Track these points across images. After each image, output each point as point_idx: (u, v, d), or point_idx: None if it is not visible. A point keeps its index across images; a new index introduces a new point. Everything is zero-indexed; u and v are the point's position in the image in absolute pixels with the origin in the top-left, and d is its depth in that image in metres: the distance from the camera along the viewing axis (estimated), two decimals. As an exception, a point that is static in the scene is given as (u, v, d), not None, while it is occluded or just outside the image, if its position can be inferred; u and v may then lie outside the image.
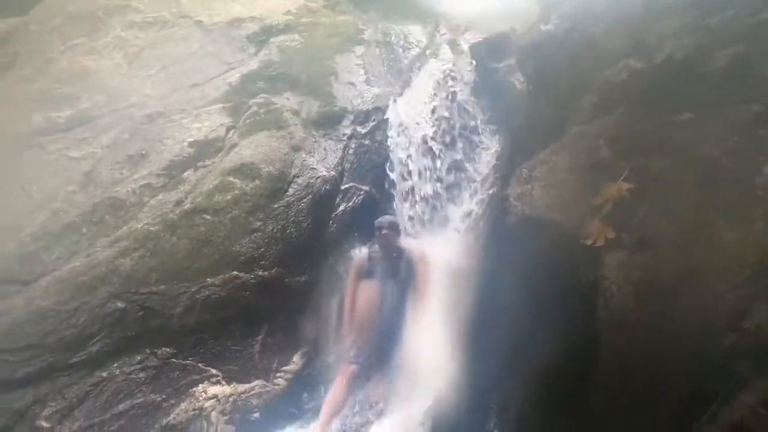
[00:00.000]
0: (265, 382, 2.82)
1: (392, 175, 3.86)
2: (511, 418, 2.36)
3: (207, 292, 2.87)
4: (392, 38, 5.30)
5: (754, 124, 2.08)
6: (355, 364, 2.94)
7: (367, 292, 3.07)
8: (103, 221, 3.30)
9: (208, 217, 3.12)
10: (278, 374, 2.86)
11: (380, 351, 2.98)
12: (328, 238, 3.44)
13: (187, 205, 3.17)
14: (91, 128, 4.18)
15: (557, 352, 2.08)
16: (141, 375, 2.67)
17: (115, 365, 2.62)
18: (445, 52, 4.76)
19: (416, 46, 5.27)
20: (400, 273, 3.12)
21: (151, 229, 3.05)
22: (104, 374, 2.67)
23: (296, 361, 3.00)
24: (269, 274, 3.06)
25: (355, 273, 3.21)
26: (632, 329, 1.96)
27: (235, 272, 2.98)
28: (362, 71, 4.78)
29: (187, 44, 5.06)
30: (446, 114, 3.95)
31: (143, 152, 3.78)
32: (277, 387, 2.83)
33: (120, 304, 2.80)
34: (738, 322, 1.69)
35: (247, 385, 2.71)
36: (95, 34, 5.01)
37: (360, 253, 3.40)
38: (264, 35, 5.11)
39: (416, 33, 5.63)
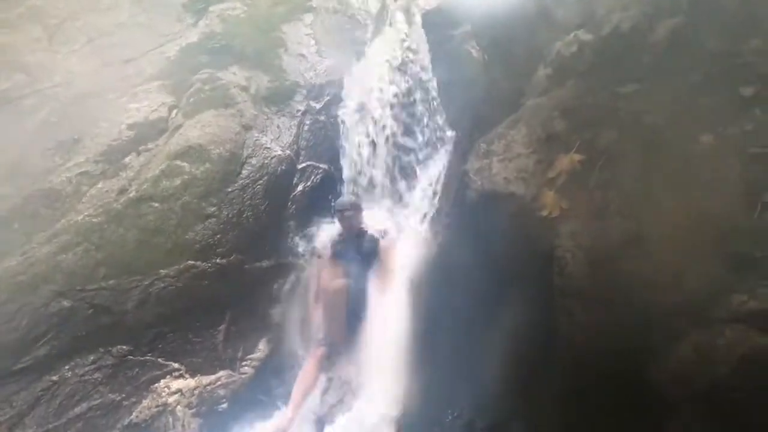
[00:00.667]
0: (231, 372, 2.76)
1: (342, 160, 3.77)
2: (476, 399, 2.45)
3: (161, 284, 2.73)
4: (342, 5, 5.09)
5: (694, 93, 2.18)
6: (324, 346, 2.94)
7: (332, 275, 3.04)
8: (38, 214, 3.02)
9: (156, 204, 2.93)
10: (244, 363, 2.81)
11: (348, 333, 2.99)
12: (287, 219, 3.34)
13: (132, 193, 2.95)
14: (13, 112, 3.77)
15: (519, 322, 2.17)
16: (96, 375, 2.53)
17: (66, 367, 2.46)
18: (399, 20, 4.63)
19: (368, 13, 5.09)
20: (363, 253, 3.11)
21: (94, 220, 2.82)
22: (55, 378, 2.52)
23: (262, 348, 2.95)
24: (227, 261, 2.95)
25: (318, 256, 3.17)
26: (585, 294, 2.07)
27: (190, 261, 2.85)
28: (313, 42, 4.57)
29: (113, 14, 4.60)
30: (402, 88, 3.88)
31: (75, 137, 3.45)
32: (244, 376, 2.78)
33: (66, 303, 2.60)
34: (678, 283, 1.83)
35: (212, 377, 2.64)
36: (5, 3, 4.45)
37: (321, 234, 3.35)
38: (202, 3, 4.72)
39: (368, 0, 5.45)
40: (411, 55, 4.10)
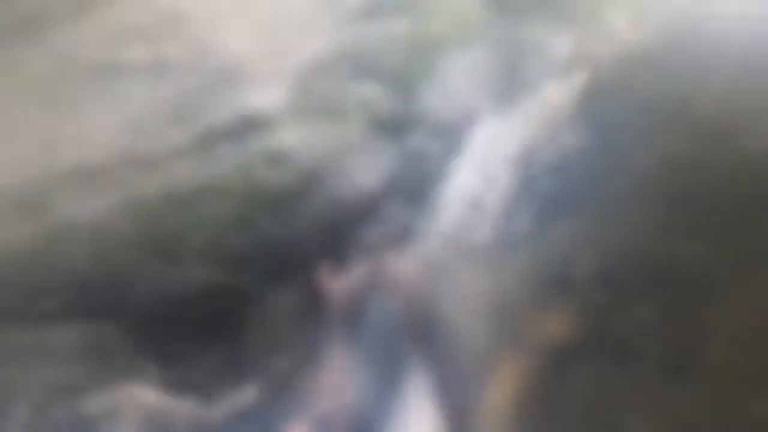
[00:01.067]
0: (201, 405, 2.31)
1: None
2: None
3: (197, 275, 2.49)
4: (526, 46, 4.38)
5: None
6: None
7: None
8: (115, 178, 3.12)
9: (209, 195, 2.74)
10: (225, 400, 2.34)
11: None
12: (345, 253, 2.86)
13: (199, 180, 2.84)
14: (166, 74, 4.08)
15: None
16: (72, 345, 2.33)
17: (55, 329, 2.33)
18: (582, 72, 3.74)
19: (553, 60, 4.28)
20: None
21: (151, 195, 2.77)
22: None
23: (253, 391, 2.46)
24: (255, 285, 2.59)
25: None
26: None
27: (220, 268, 2.56)
28: (467, 77, 4.01)
29: (299, 5, 4.74)
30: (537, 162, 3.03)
31: (196, 111, 3.55)
32: (215, 414, 2.30)
33: (90, 263, 2.53)
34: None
35: (176, 402, 2.22)
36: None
37: None
38: (369, 13, 4.60)
39: (561, 44, 4.64)
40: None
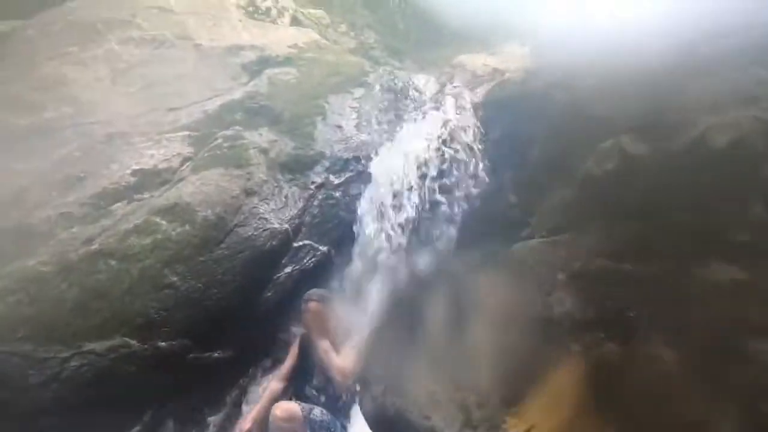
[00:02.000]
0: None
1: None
2: None
3: (81, 361, 2.28)
4: (398, 84, 4.86)
5: None
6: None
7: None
8: (5, 250, 2.85)
9: (113, 263, 2.57)
10: None
11: None
12: (261, 306, 2.81)
13: (95, 245, 2.66)
14: (46, 140, 3.85)
15: None
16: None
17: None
18: (449, 105, 4.26)
19: (422, 95, 4.83)
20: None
21: (43, 269, 2.52)
22: None
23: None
24: (169, 346, 2.43)
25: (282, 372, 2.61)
26: None
27: (125, 338, 2.40)
28: (355, 115, 4.30)
29: (180, 66, 4.77)
30: (433, 173, 3.39)
31: (82, 174, 3.36)
32: None
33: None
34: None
35: None
36: (88, 45, 4.80)
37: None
38: (259, 65, 4.75)
39: (426, 83, 5.23)
40: (452, 143, 3.63)
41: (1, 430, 2.04)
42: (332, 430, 2.25)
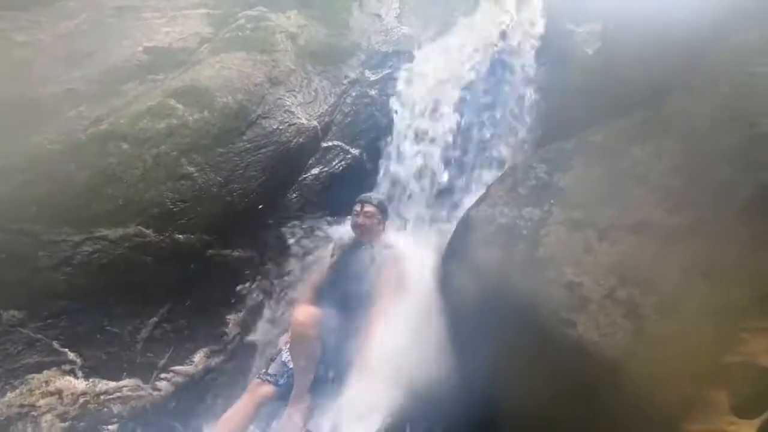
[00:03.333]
0: (140, 383, 2.06)
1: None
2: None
3: (93, 247, 2.13)
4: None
5: None
6: (273, 385, 2.18)
7: (306, 297, 2.26)
8: (7, 124, 2.62)
9: (125, 146, 2.33)
10: (164, 375, 2.11)
11: (318, 377, 2.19)
12: (285, 207, 2.56)
13: (104, 126, 2.41)
14: (50, 10, 3.46)
15: None
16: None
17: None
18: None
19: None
20: (365, 274, 2.28)
21: (50, 147, 2.31)
22: None
23: (196, 361, 2.22)
24: (187, 239, 2.24)
25: (313, 278, 2.41)
26: None
27: (140, 227, 2.22)
28: (397, 4, 3.76)
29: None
30: (483, 83, 2.94)
31: (90, 50, 3.03)
32: (156, 393, 2.06)
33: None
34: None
35: (112, 384, 1.97)
36: None
37: (331, 243, 2.56)
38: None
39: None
40: (508, 45, 3.12)
41: (11, 308, 1.95)
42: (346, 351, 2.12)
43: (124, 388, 2.00)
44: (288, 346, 2.12)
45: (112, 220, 2.18)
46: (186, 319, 2.25)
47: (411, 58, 3.26)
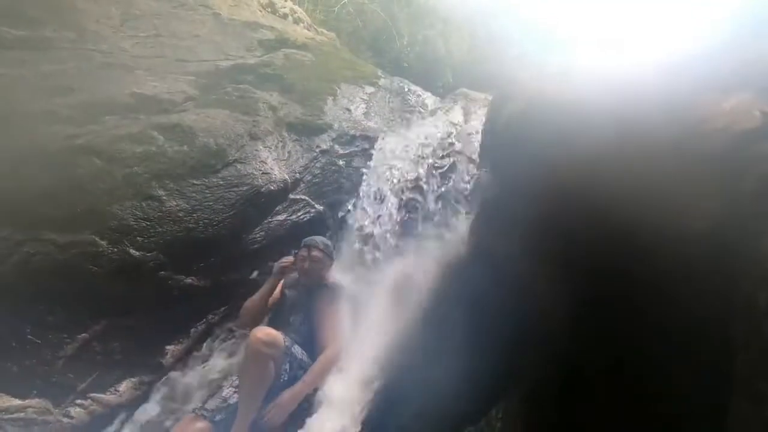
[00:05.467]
0: (50, 406, 1.74)
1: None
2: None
3: (37, 248, 1.97)
4: (406, 91, 5.01)
5: None
6: (209, 421, 1.92)
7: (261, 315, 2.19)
8: None
9: (97, 161, 2.32)
10: (80, 400, 1.80)
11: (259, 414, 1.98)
12: (247, 245, 2.58)
13: (79, 140, 2.42)
14: (39, 54, 3.59)
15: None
16: None
17: None
18: (457, 113, 4.40)
19: (429, 104, 4.98)
20: (311, 311, 2.25)
21: (15, 151, 2.23)
22: None
23: (122, 390, 1.94)
24: (141, 256, 2.16)
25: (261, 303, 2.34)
26: None
27: (94, 237, 2.12)
28: (364, 105, 4.35)
29: (196, 27, 4.70)
30: (435, 167, 3.40)
31: (75, 86, 3.13)
32: (67, 420, 1.72)
33: None
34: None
35: (16, 401, 1.64)
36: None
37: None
38: (277, 44, 4.78)
39: (433, 101, 5.42)
40: (455, 145, 3.71)
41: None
42: (307, 370, 2.01)
43: (30, 409, 1.65)
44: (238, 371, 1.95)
45: (64, 225, 2.06)
46: (120, 341, 2.02)
47: (374, 142, 3.71)
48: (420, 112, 4.77)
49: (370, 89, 4.64)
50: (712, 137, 0.74)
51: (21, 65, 3.38)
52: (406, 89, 4.95)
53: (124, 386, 1.96)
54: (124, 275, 2.09)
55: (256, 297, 2.26)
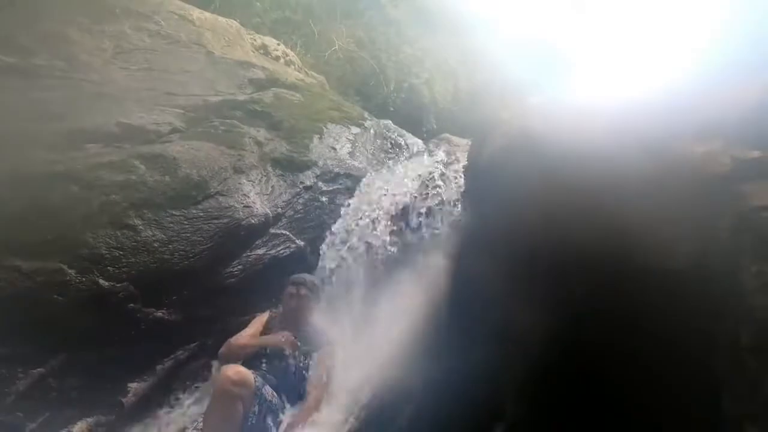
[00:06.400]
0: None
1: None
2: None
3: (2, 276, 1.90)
4: (391, 134, 5.14)
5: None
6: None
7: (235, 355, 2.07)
8: None
9: (74, 188, 2.26)
10: None
11: None
12: (224, 279, 2.50)
13: (59, 167, 2.38)
14: (28, 81, 3.58)
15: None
16: None
17: None
18: (440, 156, 4.51)
19: (413, 146, 5.10)
20: (290, 356, 2.16)
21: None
22: None
23: (75, 431, 1.82)
24: (111, 287, 2.06)
25: (240, 342, 2.23)
26: None
27: (62, 265, 2.02)
28: (349, 145, 4.42)
29: (188, 63, 4.80)
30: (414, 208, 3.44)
31: (60, 113, 3.11)
32: None
33: None
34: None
35: None
36: (101, 20, 4.77)
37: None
38: (267, 83, 4.90)
39: (417, 143, 5.56)
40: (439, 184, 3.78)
41: None
42: (276, 414, 1.88)
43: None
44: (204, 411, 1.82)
45: (32, 251, 1.97)
46: (78, 377, 1.87)
47: (358, 181, 3.74)
48: (404, 153, 4.90)
49: (356, 130, 4.74)
50: (691, 177, 0.77)
51: (9, 91, 3.37)
52: (392, 131, 5.09)
53: (78, 427, 1.81)
54: (90, 306, 1.99)
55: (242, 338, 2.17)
